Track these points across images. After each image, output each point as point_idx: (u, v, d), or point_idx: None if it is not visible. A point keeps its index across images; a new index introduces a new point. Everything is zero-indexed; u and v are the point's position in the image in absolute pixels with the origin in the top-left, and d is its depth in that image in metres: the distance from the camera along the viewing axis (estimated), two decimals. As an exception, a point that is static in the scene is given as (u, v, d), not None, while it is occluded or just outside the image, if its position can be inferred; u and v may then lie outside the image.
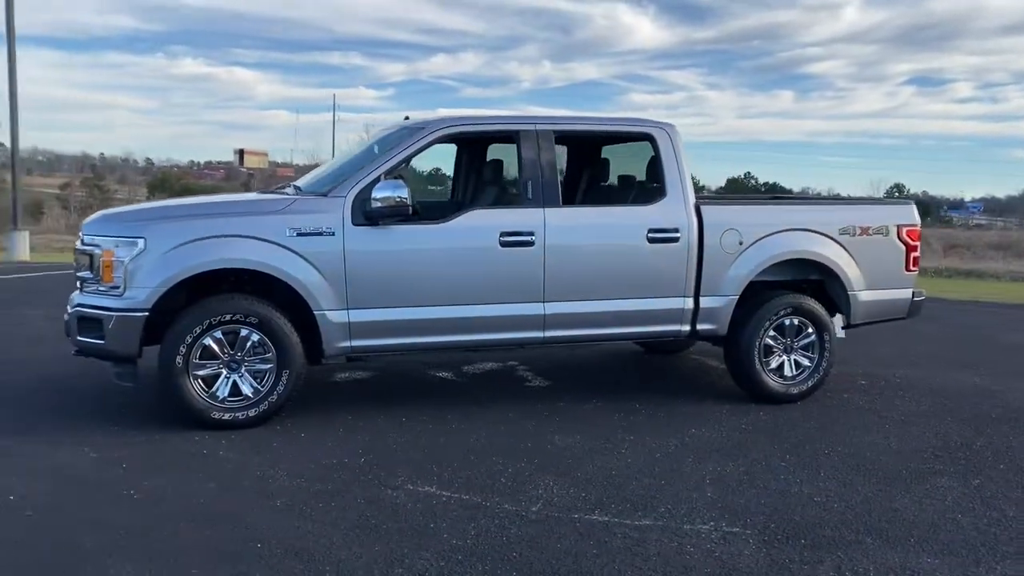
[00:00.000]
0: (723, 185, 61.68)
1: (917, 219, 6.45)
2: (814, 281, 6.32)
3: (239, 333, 5.03)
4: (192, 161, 42.32)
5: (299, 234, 5.06)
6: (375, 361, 6.89)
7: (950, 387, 6.77)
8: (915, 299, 6.47)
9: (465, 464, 4.60)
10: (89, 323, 4.97)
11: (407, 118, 6.12)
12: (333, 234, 5.11)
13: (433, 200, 7.48)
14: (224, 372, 5.06)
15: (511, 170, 6.12)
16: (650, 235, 5.70)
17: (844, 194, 45.63)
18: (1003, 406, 6.20)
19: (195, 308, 4.96)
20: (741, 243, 5.91)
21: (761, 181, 67.86)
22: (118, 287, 4.91)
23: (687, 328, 5.92)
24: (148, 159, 38.49)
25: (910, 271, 6.40)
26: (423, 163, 7.27)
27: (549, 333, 5.62)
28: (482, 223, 5.46)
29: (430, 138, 5.46)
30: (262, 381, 5.11)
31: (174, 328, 4.92)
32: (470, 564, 3.40)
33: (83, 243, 5.16)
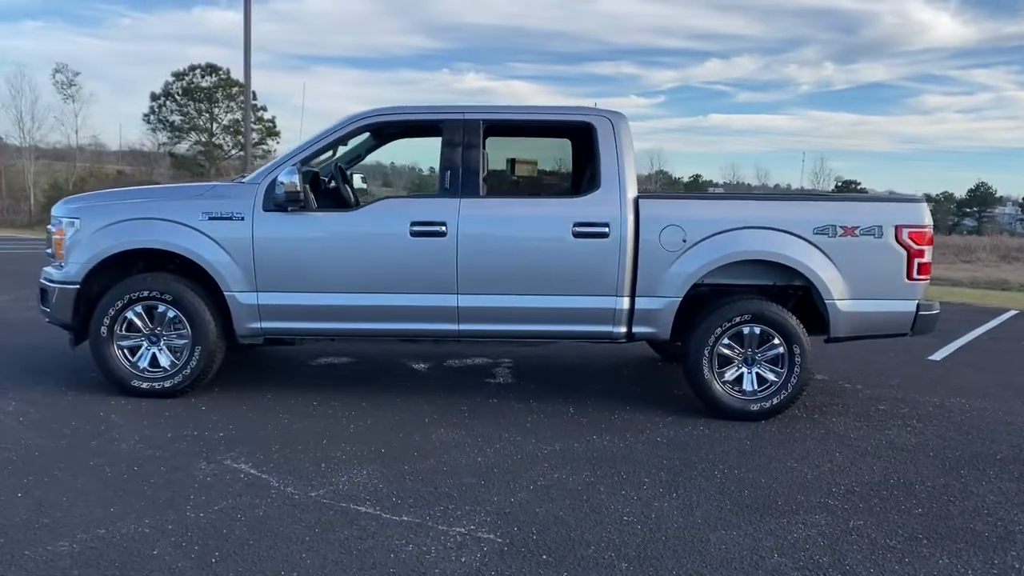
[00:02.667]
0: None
1: (925, 219, 5.47)
2: (802, 289, 5.59)
3: (157, 309, 5.41)
4: None
5: (211, 218, 5.35)
6: (356, 348, 7.06)
7: (980, 420, 5.66)
8: (922, 313, 5.50)
9: (306, 449, 4.62)
10: (43, 294, 5.59)
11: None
12: (243, 219, 5.35)
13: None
14: (145, 344, 5.46)
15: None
16: (576, 229, 5.35)
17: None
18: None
19: (120, 284, 5.41)
20: (684, 240, 5.37)
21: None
22: (61, 263, 5.48)
23: (622, 329, 5.48)
24: (431, 168, 41.06)
25: (915, 280, 5.45)
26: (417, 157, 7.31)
27: (464, 327, 5.46)
28: (393, 212, 5.43)
29: (349, 127, 5.54)
30: (179, 356, 5.46)
31: (101, 301, 5.40)
32: (153, 538, 3.44)
33: (51, 223, 5.81)
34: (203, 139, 42.16)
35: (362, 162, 6.87)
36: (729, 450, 4.86)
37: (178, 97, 42.03)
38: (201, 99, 42.09)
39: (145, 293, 5.37)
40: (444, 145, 5.50)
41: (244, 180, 5.58)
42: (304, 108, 9.47)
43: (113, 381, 5.46)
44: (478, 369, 6.74)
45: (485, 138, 5.57)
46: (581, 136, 5.84)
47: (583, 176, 5.93)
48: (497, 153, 6.30)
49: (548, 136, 6.67)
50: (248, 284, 5.38)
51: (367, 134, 6.30)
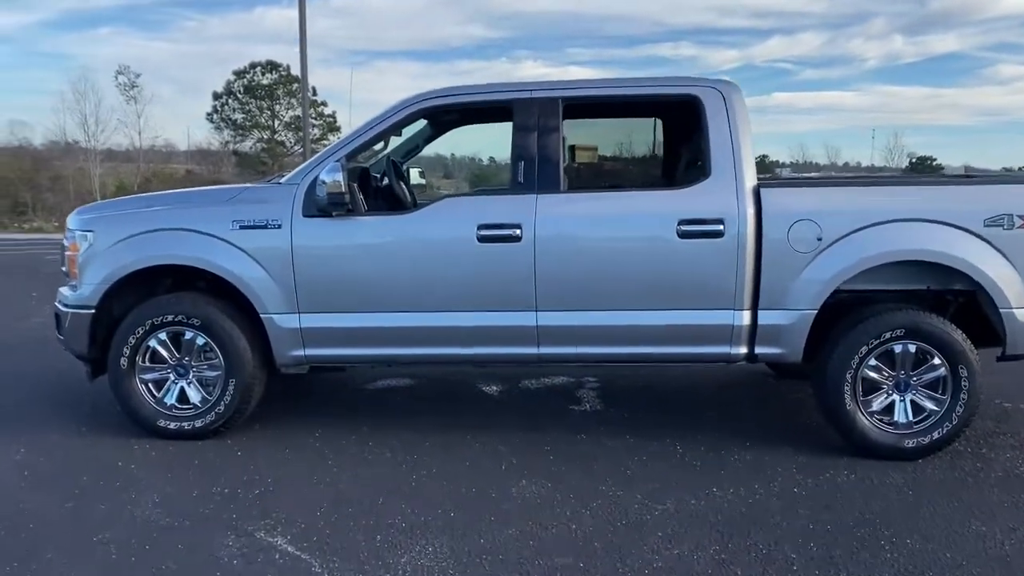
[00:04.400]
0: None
1: None
2: (964, 294, 4.47)
3: (184, 336, 4.59)
4: None
5: (242, 227, 4.49)
6: (416, 368, 6.17)
7: None
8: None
9: (358, 512, 3.73)
10: (56, 319, 4.83)
11: None
12: (280, 226, 4.48)
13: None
14: (172, 377, 4.65)
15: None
16: (682, 228, 4.33)
17: None
18: None
19: (141, 307, 4.61)
20: (820, 239, 4.30)
21: None
22: (75, 283, 4.71)
23: (741, 350, 4.45)
24: (492, 157, 40.65)
25: (1116, 281, 4.27)
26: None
27: (545, 350, 4.50)
28: (456, 214, 4.49)
29: (402, 114, 4.60)
30: (211, 390, 4.64)
31: (120, 328, 4.60)
32: None
33: (64, 236, 5.05)
34: (265, 136, 42.11)
35: (419, 154, 5.97)
36: (889, 506, 3.79)
37: (239, 95, 42.10)
38: (262, 96, 42.07)
39: (170, 318, 4.55)
40: (516, 130, 4.53)
41: (281, 181, 4.71)
42: (354, 100, 9.01)
43: (136, 421, 4.67)
44: (559, 391, 5.77)
45: (564, 120, 4.58)
46: (681, 113, 4.80)
47: (681, 162, 4.91)
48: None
49: (638, 115, 5.64)
50: (288, 304, 4.51)
51: (423, 121, 5.39)
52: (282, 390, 5.44)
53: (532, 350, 4.50)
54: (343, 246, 4.49)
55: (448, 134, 5.66)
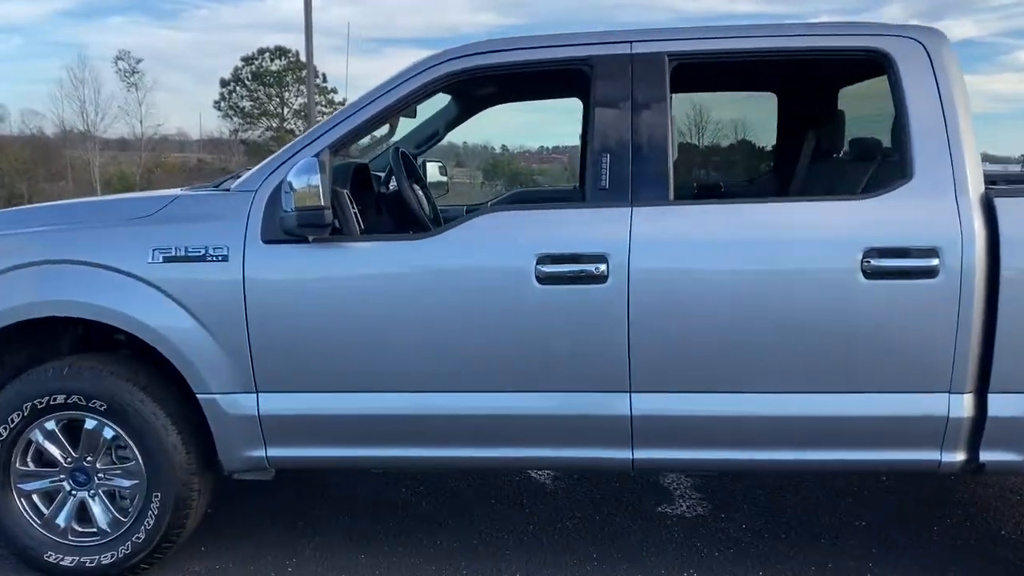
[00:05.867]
0: None
1: None
2: None
3: (84, 425, 2.98)
4: (542, 146, 42.51)
5: (167, 258, 2.87)
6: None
7: None
8: None
9: None
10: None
11: None
12: (226, 258, 2.85)
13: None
14: (67, 487, 3.05)
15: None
16: (869, 261, 2.67)
17: None
18: None
19: (16, 382, 3.00)
20: (1099, 280, 2.64)
21: None
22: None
23: (957, 457, 2.79)
24: (504, 146, 39.29)
25: None
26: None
27: (645, 453, 2.86)
28: (503, 238, 2.84)
29: (417, 83, 2.93)
30: (127, 507, 3.03)
31: (-14, 412, 2.99)
32: None
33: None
34: (274, 124, 40.61)
35: (440, 143, 4.34)
36: None
37: (248, 82, 40.73)
38: (271, 83, 40.74)
39: (60, 398, 2.93)
40: (594, 105, 2.88)
41: (232, 186, 3.06)
42: (362, 88, 6.95)
43: (15, 553, 3.07)
44: (642, 484, 4.11)
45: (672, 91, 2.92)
46: (853, 79, 3.14)
47: (866, 154, 3.25)
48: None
49: (781, 84, 3.97)
50: (240, 379, 2.89)
51: (446, 96, 3.77)
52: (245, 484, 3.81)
53: (623, 454, 2.86)
54: (325, 289, 2.85)
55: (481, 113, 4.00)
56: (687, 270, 2.76)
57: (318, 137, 2.92)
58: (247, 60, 40.69)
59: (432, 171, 4.34)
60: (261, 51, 40.73)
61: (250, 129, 41.10)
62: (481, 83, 3.56)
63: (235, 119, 41.06)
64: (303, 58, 38.38)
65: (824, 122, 3.86)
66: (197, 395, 2.90)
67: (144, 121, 36.01)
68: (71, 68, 42.74)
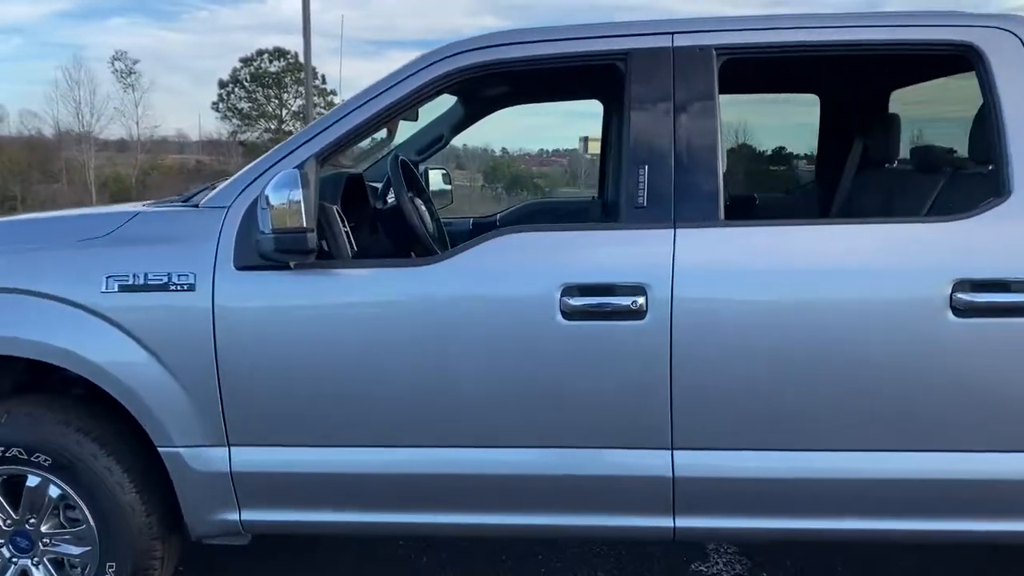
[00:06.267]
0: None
1: None
2: None
3: (26, 482, 2.53)
4: (542, 149, 42.16)
5: (123, 286, 2.42)
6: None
7: None
8: None
9: None
10: None
11: None
12: (192, 287, 2.40)
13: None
14: (5, 553, 2.60)
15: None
16: (960, 296, 2.23)
17: None
18: None
19: (-53, 430, 2.55)
20: None
21: None
22: None
23: None
24: (504, 149, 39.07)
25: None
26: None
27: (688, 522, 2.42)
28: (520, 264, 2.39)
29: (420, 80, 2.48)
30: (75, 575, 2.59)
31: (-90, 466, 2.55)
32: None
33: None
34: (272, 126, 40.18)
35: (444, 149, 3.90)
36: None
37: (246, 84, 40.33)
38: (269, 85, 40.33)
39: (-3, 451, 2.49)
40: (630, 107, 2.43)
41: (201, 201, 2.61)
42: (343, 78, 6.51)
43: (-56, 631, 2.63)
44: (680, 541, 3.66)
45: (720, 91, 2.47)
46: (930, 76, 2.69)
47: (950, 166, 2.81)
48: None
49: (843, 86, 3.53)
50: (208, 429, 2.44)
51: (452, 98, 3.33)
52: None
53: (663, 522, 2.41)
54: (309, 325, 2.40)
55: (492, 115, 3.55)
56: (741, 303, 2.32)
57: (303, 144, 2.48)
58: (246, 61, 40.34)
59: (435, 179, 3.92)
60: (260, 52, 40.38)
61: (248, 131, 40.70)
62: (493, 81, 3.12)
63: (233, 120, 40.70)
64: (302, 59, 38.25)
65: (874, 127, 3.43)
66: (158, 448, 2.46)
67: (141, 122, 35.60)
68: (66, 68, 42.22)
